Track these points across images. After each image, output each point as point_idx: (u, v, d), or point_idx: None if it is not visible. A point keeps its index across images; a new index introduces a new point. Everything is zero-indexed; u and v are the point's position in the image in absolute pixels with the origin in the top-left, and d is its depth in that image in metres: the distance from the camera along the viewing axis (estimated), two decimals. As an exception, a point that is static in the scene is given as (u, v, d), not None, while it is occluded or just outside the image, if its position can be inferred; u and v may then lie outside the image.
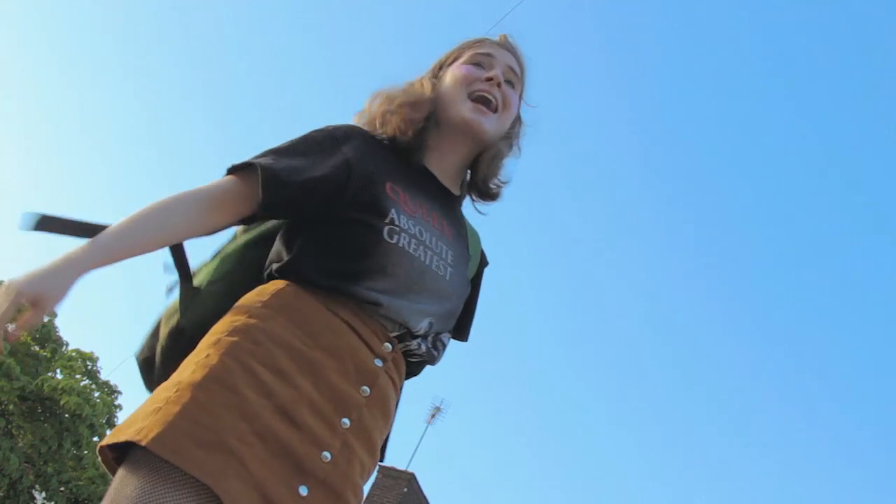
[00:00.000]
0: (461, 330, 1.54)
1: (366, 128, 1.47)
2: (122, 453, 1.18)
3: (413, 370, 1.43)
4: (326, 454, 1.19)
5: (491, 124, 1.47)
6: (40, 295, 1.14)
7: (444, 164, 1.49)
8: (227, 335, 1.22)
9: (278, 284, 1.31)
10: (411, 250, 1.32)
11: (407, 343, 1.34)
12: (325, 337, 1.26)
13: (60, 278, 1.16)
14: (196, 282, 1.42)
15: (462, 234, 1.50)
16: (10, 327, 1.13)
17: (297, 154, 1.33)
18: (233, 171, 1.32)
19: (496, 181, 1.53)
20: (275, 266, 1.34)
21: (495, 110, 1.48)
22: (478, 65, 1.50)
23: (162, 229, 1.26)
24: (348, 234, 1.31)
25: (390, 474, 15.48)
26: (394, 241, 1.30)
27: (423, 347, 1.37)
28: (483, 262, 1.58)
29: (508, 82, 1.51)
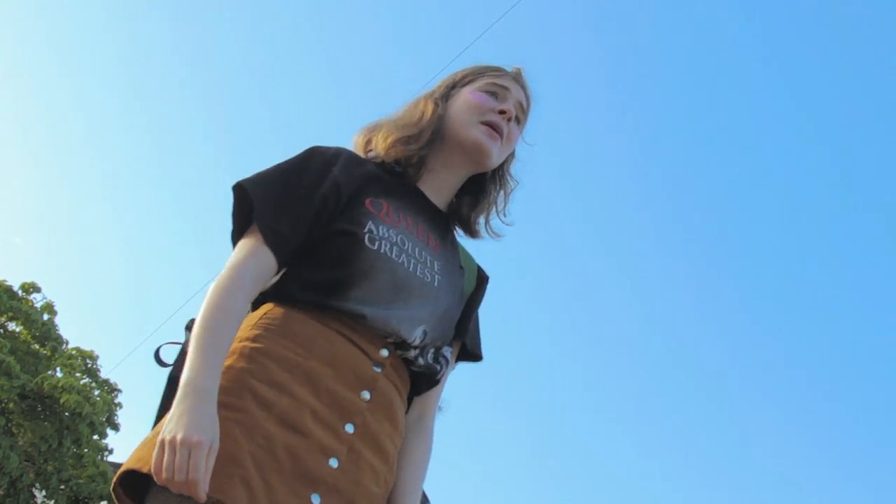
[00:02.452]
0: (473, 349, 1.53)
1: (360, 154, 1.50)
2: (139, 491, 1.18)
3: (418, 385, 1.41)
4: (333, 461, 1.18)
5: (497, 150, 1.49)
6: (209, 442, 1.08)
7: (438, 182, 1.51)
8: None
9: (266, 308, 1.32)
10: (393, 256, 1.33)
11: (404, 352, 1.33)
12: (318, 347, 1.25)
13: (213, 423, 1.10)
14: None
15: (452, 248, 1.51)
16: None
17: (293, 186, 1.34)
18: (240, 225, 1.34)
19: (479, 220, 1.56)
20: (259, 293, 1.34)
21: (500, 139, 1.50)
22: (492, 94, 1.51)
23: (235, 330, 1.23)
24: (329, 245, 1.32)
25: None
26: (375, 246, 1.31)
27: (423, 361, 1.36)
28: (482, 278, 1.58)
29: (515, 118, 1.54)
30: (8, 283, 12.47)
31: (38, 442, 11.68)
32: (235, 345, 1.25)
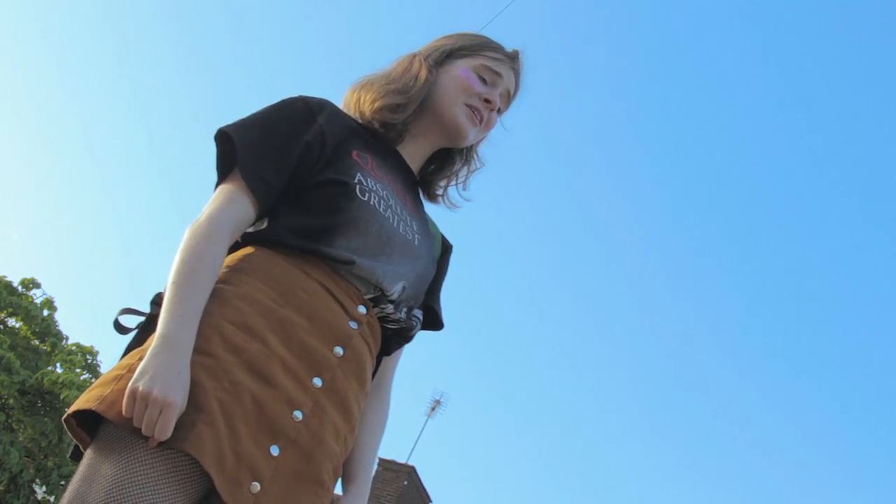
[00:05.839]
0: (434, 318, 1.52)
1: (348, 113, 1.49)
2: (92, 424, 1.16)
3: (388, 344, 1.40)
4: (298, 413, 1.16)
5: (474, 134, 1.50)
6: (181, 402, 1.08)
7: (414, 148, 1.51)
8: None
9: (248, 250, 1.29)
10: (381, 209, 1.33)
11: (382, 307, 1.32)
12: (296, 296, 1.24)
13: (185, 380, 1.09)
14: None
15: (423, 214, 1.52)
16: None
17: (276, 133, 1.33)
18: (223, 173, 1.32)
19: (440, 185, 1.57)
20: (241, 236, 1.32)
21: (480, 124, 1.51)
22: (484, 78, 1.50)
23: (213, 281, 1.21)
24: (319, 193, 1.31)
25: (390, 467, 15.46)
26: (364, 198, 1.31)
27: (400, 315, 1.35)
28: (446, 246, 1.59)
29: (498, 108, 1.54)
30: (8, 279, 12.47)
31: (38, 438, 11.68)
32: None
